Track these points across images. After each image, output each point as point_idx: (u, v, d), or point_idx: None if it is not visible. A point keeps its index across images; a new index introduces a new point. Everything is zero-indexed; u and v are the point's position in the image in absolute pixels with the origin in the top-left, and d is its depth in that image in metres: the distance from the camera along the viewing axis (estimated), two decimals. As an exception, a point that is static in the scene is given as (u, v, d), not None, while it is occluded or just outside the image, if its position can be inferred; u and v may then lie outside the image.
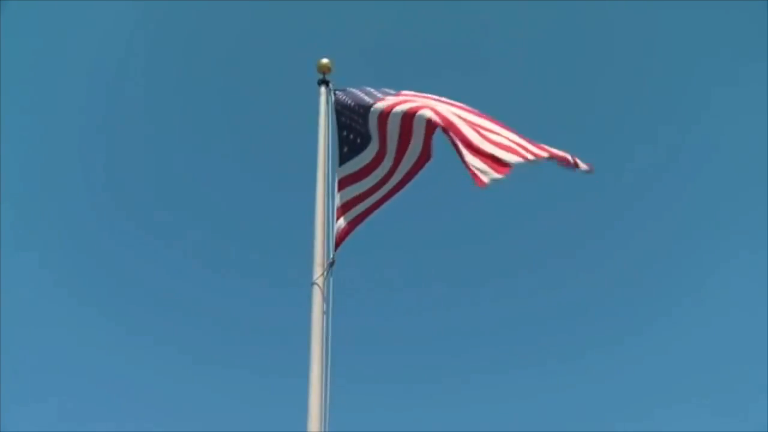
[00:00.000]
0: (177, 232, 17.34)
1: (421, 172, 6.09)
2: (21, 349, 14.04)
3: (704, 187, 16.89)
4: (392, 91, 6.18)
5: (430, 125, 5.73)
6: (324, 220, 5.92)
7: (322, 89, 6.56)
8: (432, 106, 5.75)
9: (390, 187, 6.10)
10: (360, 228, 6.08)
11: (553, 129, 17.83)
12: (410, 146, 5.99)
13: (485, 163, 5.13)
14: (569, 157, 5.29)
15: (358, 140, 6.20)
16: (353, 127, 6.26)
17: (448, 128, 5.48)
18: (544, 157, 5.25)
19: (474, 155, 5.21)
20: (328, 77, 6.61)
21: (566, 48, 17.87)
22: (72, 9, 15.98)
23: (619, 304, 16.83)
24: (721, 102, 16.69)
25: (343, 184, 6.13)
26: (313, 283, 5.62)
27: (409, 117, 5.81)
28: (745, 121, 16.07)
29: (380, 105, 5.97)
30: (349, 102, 6.31)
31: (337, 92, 6.53)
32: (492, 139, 5.35)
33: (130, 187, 17.20)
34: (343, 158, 6.24)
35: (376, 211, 6.08)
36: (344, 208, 6.01)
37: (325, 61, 6.61)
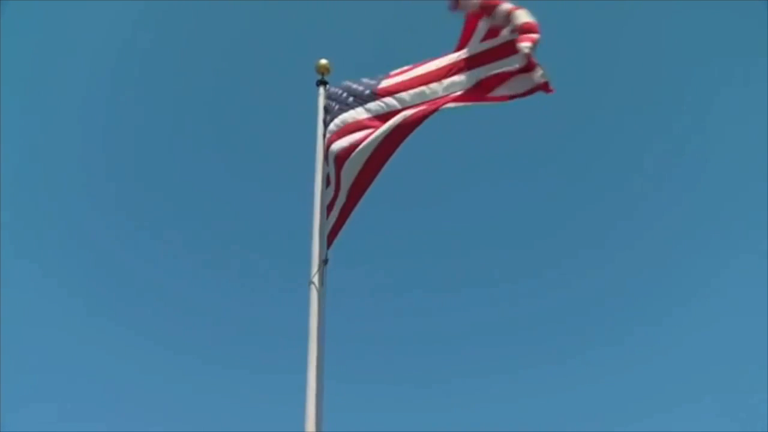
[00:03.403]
0: (174, 231, 17.31)
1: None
2: (21, 350, 14.06)
3: (705, 189, 16.89)
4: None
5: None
6: (321, 219, 5.97)
7: (321, 90, 6.59)
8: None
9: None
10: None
11: (553, 130, 17.89)
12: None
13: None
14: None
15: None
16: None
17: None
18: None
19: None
20: (326, 78, 6.65)
21: (565, 49, 17.86)
22: (72, 9, 16.02)
23: (619, 305, 16.82)
24: (723, 103, 16.70)
25: (329, 181, 6.14)
26: (310, 282, 5.67)
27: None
28: (746, 122, 16.08)
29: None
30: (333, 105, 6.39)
31: (330, 90, 6.56)
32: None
33: (127, 186, 17.21)
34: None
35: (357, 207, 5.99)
36: (331, 206, 6.03)
37: (323, 61, 6.64)
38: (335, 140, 6.01)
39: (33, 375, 14.47)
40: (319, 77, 6.65)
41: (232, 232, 17.42)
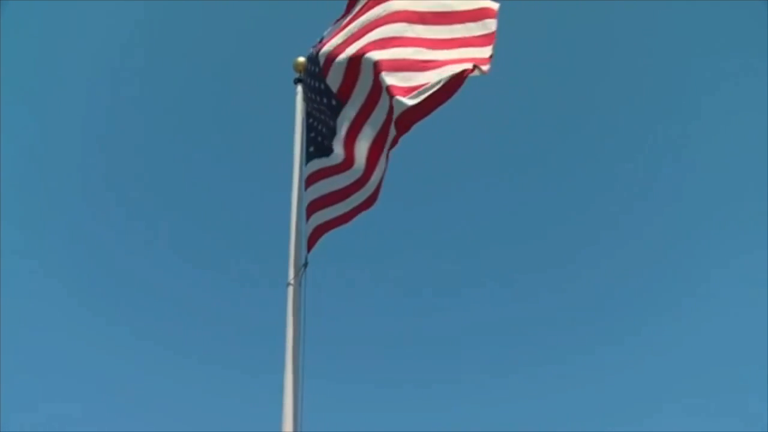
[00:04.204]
0: (159, 229, 17.34)
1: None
2: (21, 350, 14.13)
3: (705, 188, 16.79)
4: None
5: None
6: (298, 220, 5.94)
7: (299, 88, 6.53)
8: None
9: (362, 199, 5.73)
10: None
11: (552, 127, 17.83)
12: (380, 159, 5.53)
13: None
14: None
15: (325, 142, 6.09)
16: (319, 129, 6.21)
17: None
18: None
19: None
20: (304, 76, 6.59)
21: (564, 46, 17.80)
22: (72, 9, 16.08)
23: (619, 305, 16.73)
24: (722, 101, 16.60)
25: (310, 181, 6.08)
26: (288, 284, 5.65)
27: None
28: (745, 121, 15.97)
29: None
30: (312, 96, 6.26)
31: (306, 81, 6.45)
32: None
33: (124, 186, 17.28)
34: (310, 156, 6.20)
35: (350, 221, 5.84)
36: (313, 207, 5.97)
37: (301, 59, 6.57)
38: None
39: (33, 375, 14.57)
40: (297, 75, 6.58)
41: (222, 230, 17.42)
